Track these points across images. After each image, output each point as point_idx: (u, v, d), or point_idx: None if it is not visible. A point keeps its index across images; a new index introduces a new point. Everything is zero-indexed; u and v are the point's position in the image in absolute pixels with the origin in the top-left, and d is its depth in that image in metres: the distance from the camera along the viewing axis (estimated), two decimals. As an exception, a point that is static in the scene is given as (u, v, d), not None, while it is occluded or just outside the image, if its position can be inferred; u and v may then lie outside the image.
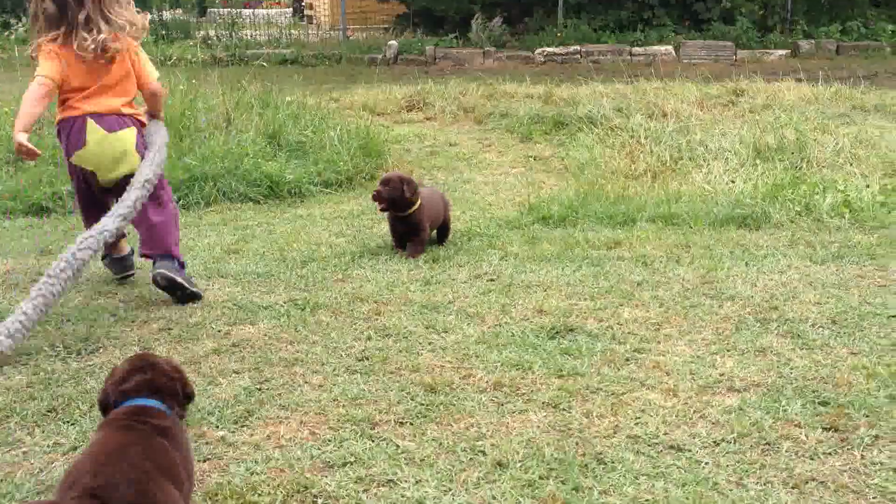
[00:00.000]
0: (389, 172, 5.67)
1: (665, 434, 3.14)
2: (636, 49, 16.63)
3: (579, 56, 16.40)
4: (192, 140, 7.01)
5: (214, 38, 15.84)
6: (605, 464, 2.96)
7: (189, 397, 2.63)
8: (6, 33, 15.17)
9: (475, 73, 13.95)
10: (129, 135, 4.37)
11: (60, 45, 4.13)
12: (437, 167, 8.08)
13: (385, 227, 5.93)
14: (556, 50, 16.41)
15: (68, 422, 3.21)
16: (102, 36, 4.10)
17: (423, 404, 3.39)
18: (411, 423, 3.25)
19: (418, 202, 5.30)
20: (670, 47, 16.72)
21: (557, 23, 17.33)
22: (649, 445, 3.07)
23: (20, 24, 15.37)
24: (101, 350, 3.85)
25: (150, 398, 2.46)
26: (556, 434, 3.17)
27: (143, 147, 4.42)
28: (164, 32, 15.71)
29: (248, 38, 16.43)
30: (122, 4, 4.22)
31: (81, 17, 4.08)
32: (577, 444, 3.10)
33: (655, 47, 16.70)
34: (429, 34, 17.57)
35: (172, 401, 2.52)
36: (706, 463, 2.96)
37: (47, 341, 3.90)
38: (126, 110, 4.38)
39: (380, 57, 16.02)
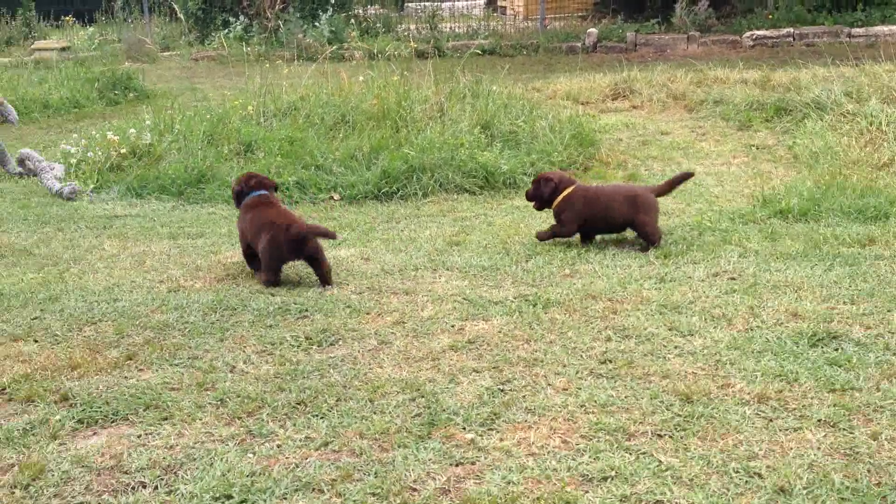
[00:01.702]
0: (544, 172, 5.57)
1: (977, 466, 2.72)
2: (855, 30, 15.35)
3: (792, 39, 15.35)
4: (409, 131, 7.01)
5: (415, 31, 16.01)
6: (910, 497, 2.58)
7: (277, 188, 5.01)
8: (225, 31, 15.98)
9: (678, 60, 13.34)
10: None
11: None
12: (652, 157, 7.71)
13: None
14: (767, 33, 15.43)
15: (318, 415, 3.17)
16: None
17: (680, 415, 3.12)
18: (671, 437, 2.99)
19: (558, 198, 5.09)
20: (895, 27, 15.34)
21: (768, 4, 16.32)
22: (960, 478, 2.66)
23: (238, 23, 16.14)
24: (340, 342, 3.82)
25: (263, 190, 4.78)
26: (842, 458, 2.81)
27: None
28: (375, 25, 16.05)
29: (447, 30, 16.51)
30: None
31: None
32: (868, 471, 2.73)
33: (878, 28, 15.35)
34: (628, 20, 17.01)
35: (272, 190, 4.85)
36: None
37: (289, 331, 3.92)
38: None
39: (579, 45, 15.66)
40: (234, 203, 5.00)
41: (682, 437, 2.98)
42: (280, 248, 4.46)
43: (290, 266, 4.74)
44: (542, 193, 5.15)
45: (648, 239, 5.03)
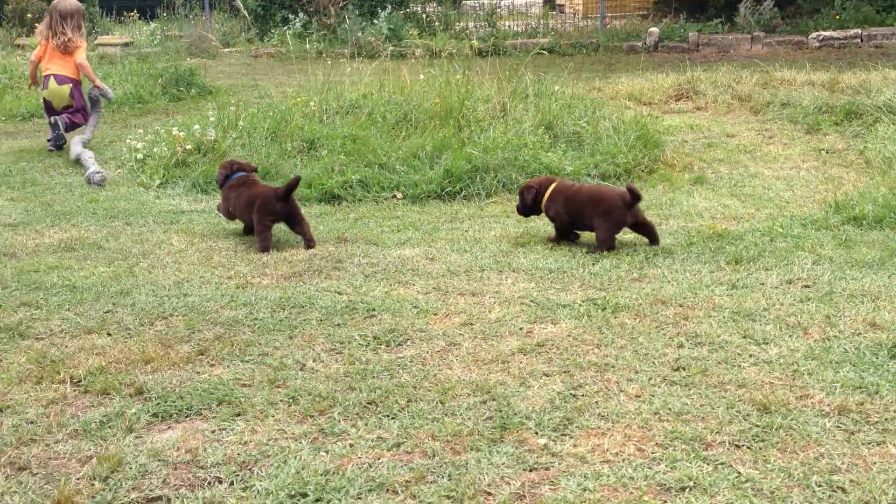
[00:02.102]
0: (526, 181, 5.62)
1: None
2: (927, 31, 14.95)
3: (859, 40, 15.00)
4: (472, 130, 6.98)
5: (473, 29, 15.99)
6: None
7: (255, 170, 5.74)
8: (285, 28, 16.13)
9: (741, 60, 13.11)
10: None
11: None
12: (718, 160, 7.57)
13: (672, 224, 5.62)
14: (834, 34, 15.09)
15: (388, 415, 3.17)
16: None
17: (758, 426, 3.05)
18: (749, 447, 2.92)
19: (545, 198, 5.27)
20: (969, 28, 14.89)
21: (835, 4, 15.95)
22: None
23: (297, 20, 16.28)
24: (408, 342, 3.81)
25: (242, 171, 5.59)
26: (930, 475, 2.72)
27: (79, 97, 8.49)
28: (433, 23, 16.06)
29: (506, 28, 16.46)
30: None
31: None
32: (959, 489, 2.64)
33: (951, 28, 14.94)
34: (689, 19, 16.77)
35: (251, 171, 5.64)
36: None
37: (357, 331, 3.93)
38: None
39: (639, 44, 15.48)
40: (217, 185, 5.79)
41: (760, 449, 2.91)
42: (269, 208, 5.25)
43: (356, 264, 4.75)
44: (526, 202, 5.35)
45: (600, 243, 5.08)
